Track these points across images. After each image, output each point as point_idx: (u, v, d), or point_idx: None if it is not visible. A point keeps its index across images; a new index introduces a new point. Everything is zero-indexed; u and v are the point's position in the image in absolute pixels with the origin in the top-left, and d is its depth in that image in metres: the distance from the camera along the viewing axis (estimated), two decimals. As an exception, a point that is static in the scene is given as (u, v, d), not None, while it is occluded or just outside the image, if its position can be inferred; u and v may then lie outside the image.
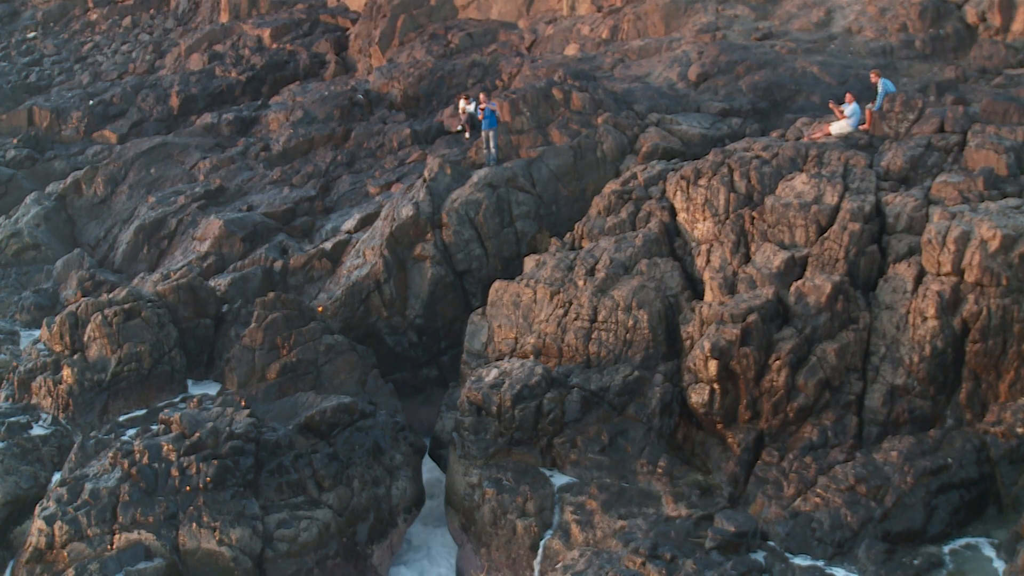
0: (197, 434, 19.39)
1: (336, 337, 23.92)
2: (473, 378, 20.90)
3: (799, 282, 19.78)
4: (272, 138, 36.80)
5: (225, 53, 46.60)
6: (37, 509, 19.03)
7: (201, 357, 24.46)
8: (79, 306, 24.33)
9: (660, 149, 26.78)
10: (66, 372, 23.08)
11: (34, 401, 23.24)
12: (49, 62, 51.81)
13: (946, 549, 17.25)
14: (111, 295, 24.64)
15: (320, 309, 25.15)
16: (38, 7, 59.58)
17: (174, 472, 18.79)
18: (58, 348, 23.91)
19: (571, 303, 21.52)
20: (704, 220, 21.98)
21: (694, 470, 19.59)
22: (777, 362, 19.02)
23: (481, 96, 29.23)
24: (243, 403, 21.29)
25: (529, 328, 22.10)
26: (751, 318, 19.12)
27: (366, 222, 28.85)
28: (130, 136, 41.02)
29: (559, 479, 19.51)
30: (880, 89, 24.64)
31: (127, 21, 55.27)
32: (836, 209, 20.51)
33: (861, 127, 23.97)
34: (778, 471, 18.71)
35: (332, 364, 23.44)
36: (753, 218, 21.28)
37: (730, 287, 20.59)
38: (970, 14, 31.11)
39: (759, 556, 17.19)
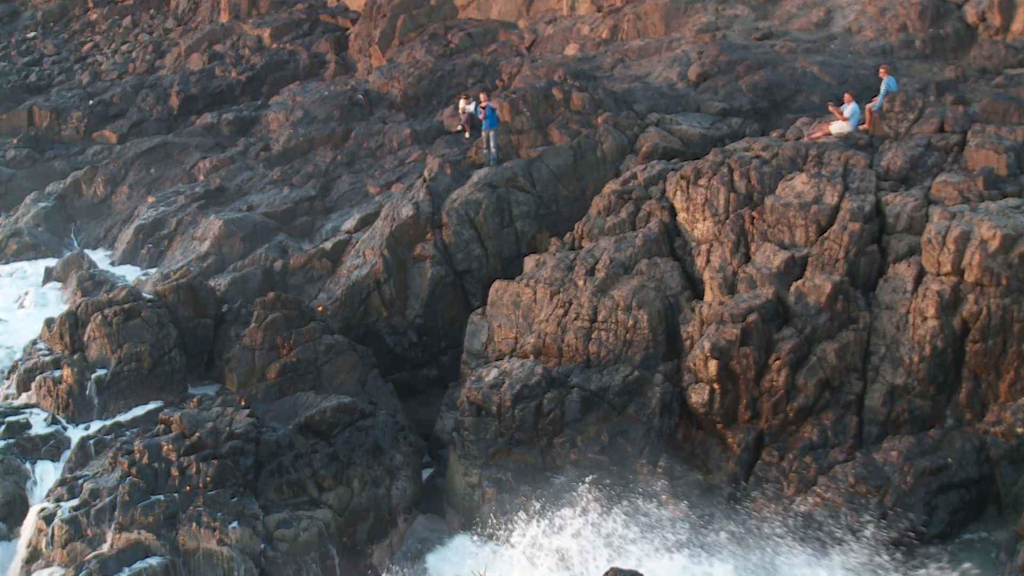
0: (197, 434, 19.40)
1: (336, 337, 23.90)
2: (473, 378, 20.89)
3: (799, 282, 19.77)
4: (272, 138, 36.79)
5: (225, 53, 46.58)
6: (37, 509, 19.04)
7: (201, 357, 24.43)
8: (79, 306, 24.32)
9: (660, 149, 26.76)
10: (66, 372, 23.06)
11: (34, 400, 23.22)
12: (49, 62, 51.74)
13: (946, 549, 17.24)
14: (111, 295, 24.64)
15: (320, 309, 25.16)
16: (38, 7, 59.50)
17: (174, 472, 18.80)
18: (58, 348, 23.90)
19: (571, 303, 21.51)
20: (704, 220, 21.97)
21: (694, 470, 19.57)
22: (777, 362, 19.01)
23: (481, 96, 29.20)
24: (243, 403, 21.29)
25: (529, 328, 22.09)
26: (751, 318, 19.11)
27: (366, 222, 28.84)
28: (130, 136, 40.98)
29: (559, 479, 19.50)
30: (883, 87, 24.63)
31: (127, 21, 55.22)
32: (836, 209, 20.50)
33: (861, 127, 23.96)
34: (778, 471, 18.70)
35: (332, 364, 23.43)
36: (753, 218, 21.27)
37: (730, 287, 20.58)
38: (970, 14, 31.09)
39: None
